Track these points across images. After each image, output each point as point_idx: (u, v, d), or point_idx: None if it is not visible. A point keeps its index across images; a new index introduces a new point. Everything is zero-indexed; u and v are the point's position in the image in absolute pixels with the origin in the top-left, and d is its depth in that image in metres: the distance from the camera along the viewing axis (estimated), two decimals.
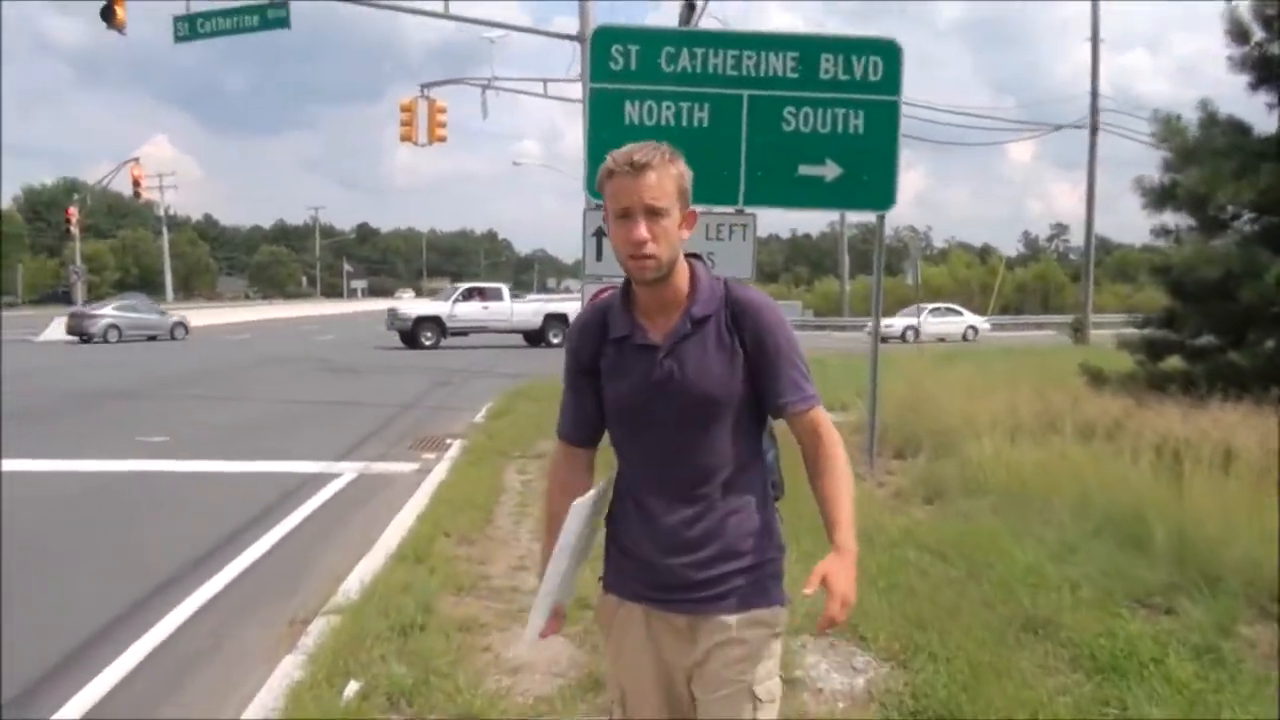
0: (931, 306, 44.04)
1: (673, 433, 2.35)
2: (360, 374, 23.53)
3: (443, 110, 25.53)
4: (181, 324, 40.60)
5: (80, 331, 36.78)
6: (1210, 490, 6.90)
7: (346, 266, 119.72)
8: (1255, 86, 11.79)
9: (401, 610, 5.30)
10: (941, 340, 37.04)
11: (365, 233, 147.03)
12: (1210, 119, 12.30)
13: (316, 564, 6.91)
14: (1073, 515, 7.32)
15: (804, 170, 9.76)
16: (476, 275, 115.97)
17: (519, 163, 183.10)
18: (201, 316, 50.44)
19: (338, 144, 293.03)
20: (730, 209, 10.10)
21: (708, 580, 2.37)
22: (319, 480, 9.87)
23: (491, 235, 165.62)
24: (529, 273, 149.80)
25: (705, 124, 9.66)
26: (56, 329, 39.50)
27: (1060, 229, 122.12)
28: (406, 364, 26.37)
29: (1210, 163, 11.07)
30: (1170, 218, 12.59)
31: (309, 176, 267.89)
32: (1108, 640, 4.93)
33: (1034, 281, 73.75)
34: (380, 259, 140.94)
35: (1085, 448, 8.67)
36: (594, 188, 10.62)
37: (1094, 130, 32.44)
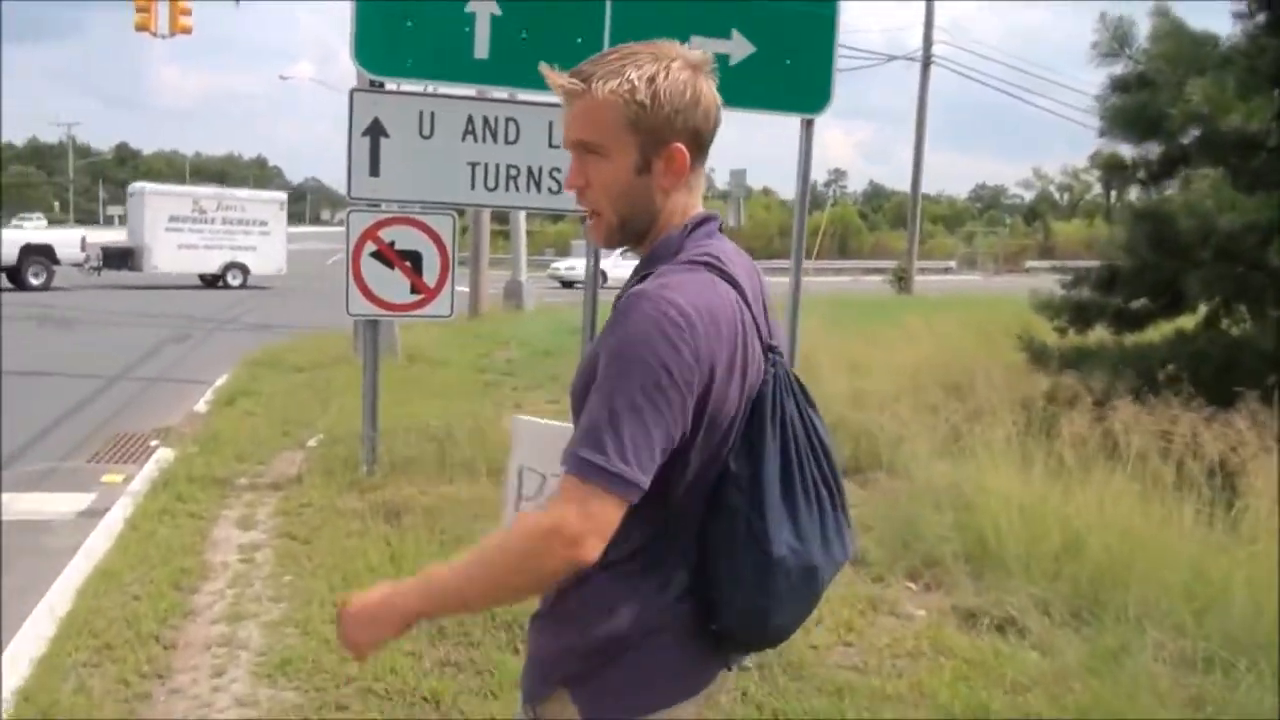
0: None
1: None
2: (73, 325, 18.61)
3: None
4: None
5: None
6: None
7: (102, 192, 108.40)
8: None
9: None
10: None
11: (125, 154, 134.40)
12: (1175, 28, 9.59)
13: None
14: (1219, 637, 4.26)
15: (699, 45, 6.29)
16: None
17: (286, 77, 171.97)
18: None
19: (98, 54, 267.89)
20: None
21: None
22: None
23: (261, 161, 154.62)
24: (301, 203, 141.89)
25: None
26: None
27: (838, 174, 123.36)
28: (138, 310, 21.49)
29: (1216, 78, 8.24)
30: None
31: (66, 90, 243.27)
32: None
33: (830, 227, 73.46)
34: None
35: (1140, 490, 5.60)
36: (368, 57, 6.88)
37: (926, 65, 30.19)
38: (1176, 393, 6.87)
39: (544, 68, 1.65)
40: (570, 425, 1.73)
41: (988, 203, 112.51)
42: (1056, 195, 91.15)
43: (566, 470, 1.52)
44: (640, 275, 1.65)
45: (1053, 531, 5.31)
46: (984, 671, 4.19)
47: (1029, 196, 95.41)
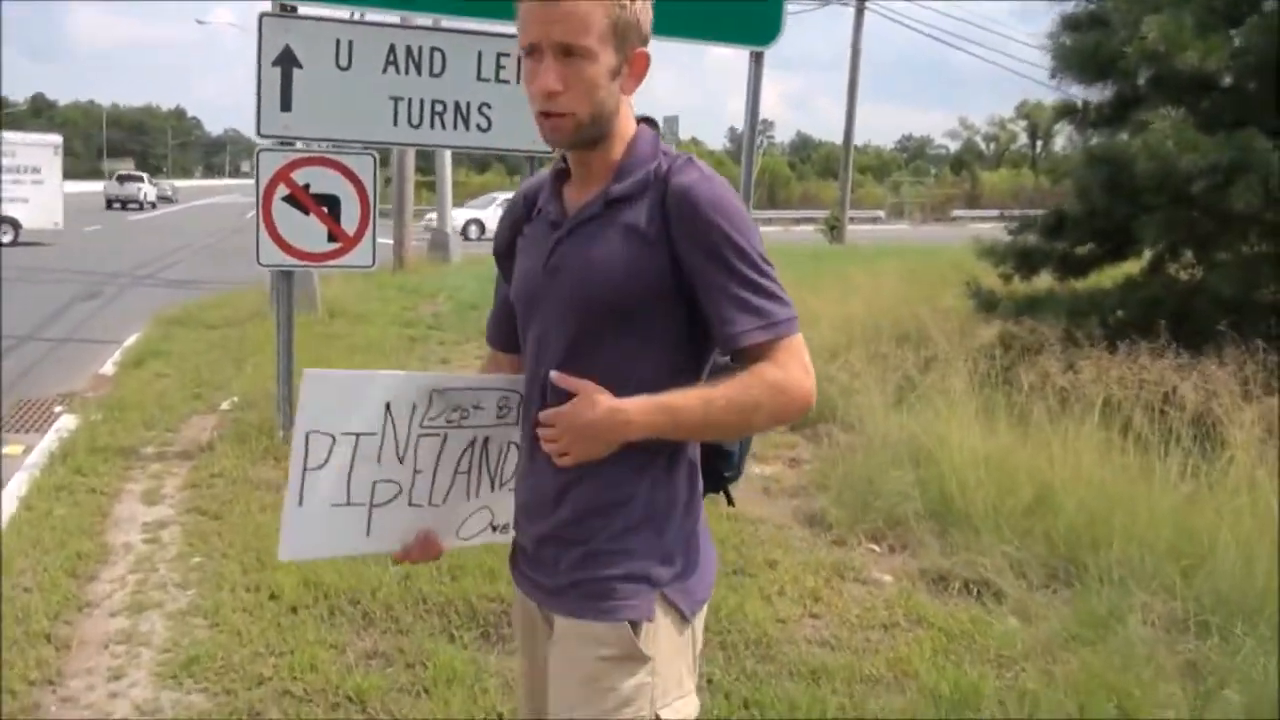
0: (505, 195, 32.86)
1: (553, 340, 1.69)
2: None
3: None
4: None
5: None
6: None
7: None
8: None
9: None
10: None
11: (40, 105, 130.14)
12: None
13: None
14: (1210, 598, 3.98)
15: None
16: (163, 156, 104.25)
17: (203, 21, 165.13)
18: None
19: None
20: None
21: (554, 561, 1.72)
22: None
23: (180, 112, 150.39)
24: (220, 154, 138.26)
25: None
26: None
27: (766, 124, 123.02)
28: (47, 266, 20.43)
29: (1172, 15, 7.94)
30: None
31: None
32: None
33: (759, 176, 73.44)
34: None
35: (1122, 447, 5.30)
36: None
37: (860, 10, 29.75)
38: (1144, 338, 6.62)
39: None
40: (370, 372, 1.73)
41: (913, 153, 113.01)
42: (982, 145, 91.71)
43: (780, 333, 1.61)
44: (651, 170, 1.66)
45: (1022, 486, 5.02)
46: (965, 643, 3.88)
47: (954, 146, 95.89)
